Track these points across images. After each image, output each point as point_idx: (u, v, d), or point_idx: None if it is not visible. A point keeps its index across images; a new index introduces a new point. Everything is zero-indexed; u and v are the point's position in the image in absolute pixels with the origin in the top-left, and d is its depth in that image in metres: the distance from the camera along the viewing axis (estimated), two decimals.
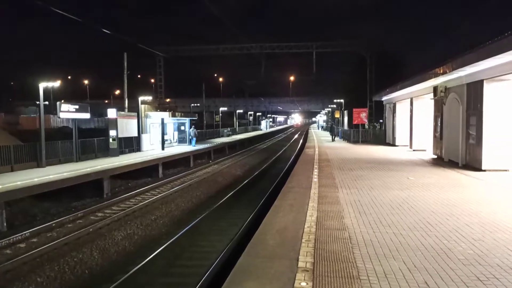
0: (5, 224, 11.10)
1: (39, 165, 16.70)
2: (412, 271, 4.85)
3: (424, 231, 6.59)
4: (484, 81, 13.92)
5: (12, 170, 15.41)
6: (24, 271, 8.51)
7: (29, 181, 12.86)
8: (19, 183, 12.45)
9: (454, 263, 5.12)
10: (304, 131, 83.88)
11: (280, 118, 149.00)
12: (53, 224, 11.62)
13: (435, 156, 19.45)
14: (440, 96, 17.86)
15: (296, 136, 70.27)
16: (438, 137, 18.98)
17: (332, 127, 41.88)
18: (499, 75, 13.09)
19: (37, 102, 17.29)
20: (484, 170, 13.88)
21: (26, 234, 10.55)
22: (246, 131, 66.43)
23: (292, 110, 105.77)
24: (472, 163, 14.86)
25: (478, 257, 5.35)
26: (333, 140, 36.42)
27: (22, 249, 9.71)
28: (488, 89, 13.95)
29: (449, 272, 4.82)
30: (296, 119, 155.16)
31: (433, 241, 6.07)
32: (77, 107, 19.44)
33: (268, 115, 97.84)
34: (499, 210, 8.12)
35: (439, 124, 18.89)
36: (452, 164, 16.40)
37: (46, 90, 17.16)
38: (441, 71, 16.10)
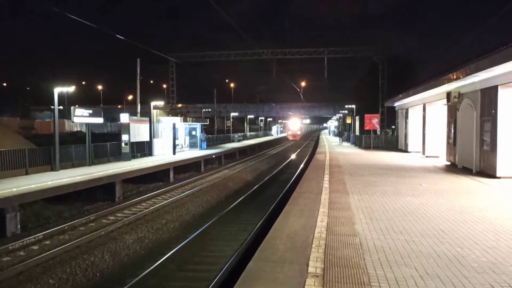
0: (18, 226, 11.26)
1: (53, 169, 16.96)
2: (424, 279, 4.77)
3: (437, 238, 6.49)
4: (499, 86, 13.71)
5: (26, 174, 15.68)
6: (36, 272, 8.62)
7: (43, 184, 13.05)
8: (33, 186, 12.65)
9: (468, 271, 5.03)
10: (315, 137, 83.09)
11: None
12: (66, 227, 11.77)
13: (449, 163, 19.18)
14: (454, 102, 17.64)
15: (306, 142, 69.96)
16: (452, 144, 18.72)
17: (341, 132, 49.53)
18: None
19: (52, 107, 17.58)
20: (499, 177, 13.63)
21: (39, 237, 10.70)
22: (257, 136, 66.44)
23: (304, 116, 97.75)
24: (486, 170, 14.61)
25: (492, 265, 5.24)
26: (340, 143, 41.42)
27: (35, 251, 9.86)
28: (503, 94, 13.73)
29: (463, 280, 4.73)
30: (292, 124, 75.91)
31: (446, 248, 5.97)
32: (90, 111, 19.70)
33: (279, 121, 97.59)
34: None
35: (452, 130, 18.64)
36: (465, 171, 16.14)
37: (60, 95, 17.46)
38: (455, 77, 15.91)
